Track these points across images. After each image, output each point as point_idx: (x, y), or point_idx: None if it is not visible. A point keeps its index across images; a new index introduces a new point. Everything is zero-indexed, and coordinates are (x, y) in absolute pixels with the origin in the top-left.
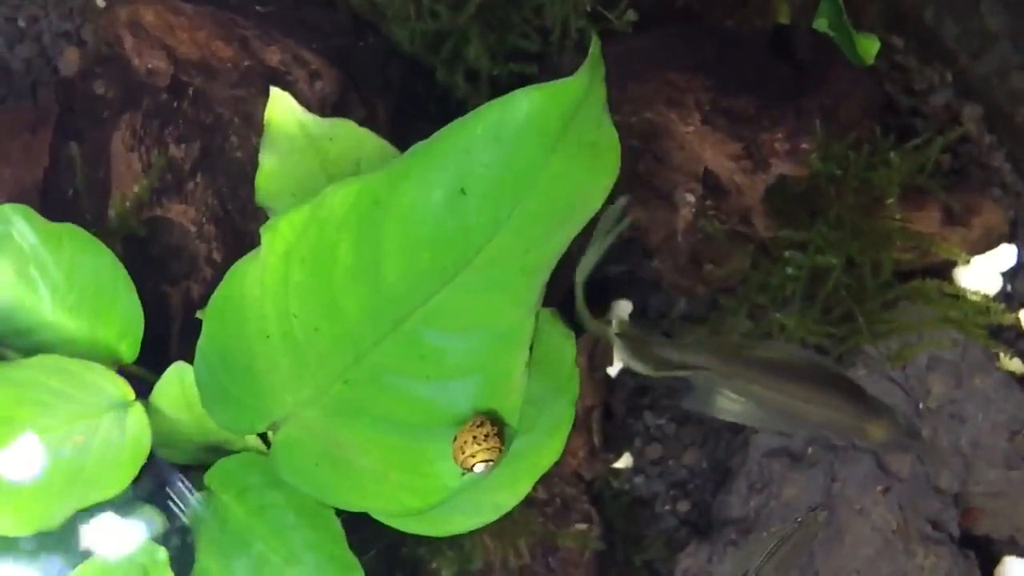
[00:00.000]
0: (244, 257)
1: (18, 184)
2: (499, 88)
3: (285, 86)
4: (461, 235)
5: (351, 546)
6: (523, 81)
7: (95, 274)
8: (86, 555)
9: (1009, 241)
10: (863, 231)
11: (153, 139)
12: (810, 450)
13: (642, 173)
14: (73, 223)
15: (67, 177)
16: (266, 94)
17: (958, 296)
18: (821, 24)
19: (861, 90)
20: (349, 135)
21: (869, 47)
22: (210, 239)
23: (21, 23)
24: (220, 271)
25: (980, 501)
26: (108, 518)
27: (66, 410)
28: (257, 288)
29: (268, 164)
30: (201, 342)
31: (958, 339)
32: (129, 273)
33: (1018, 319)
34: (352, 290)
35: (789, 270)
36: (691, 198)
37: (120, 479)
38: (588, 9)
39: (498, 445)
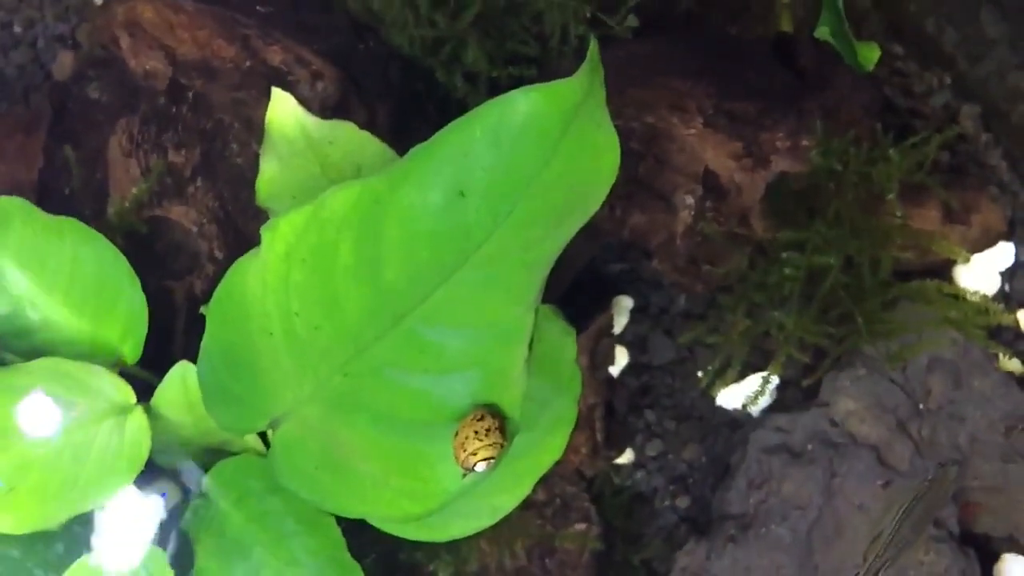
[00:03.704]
0: (245, 255)
1: (14, 181)
2: (498, 89)
3: (287, 87)
4: (460, 233)
5: (350, 550)
6: (522, 84)
7: (98, 268)
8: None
9: (1007, 239)
10: (862, 229)
11: (151, 144)
12: (809, 446)
13: (642, 176)
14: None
15: (63, 177)
16: (267, 97)
17: (957, 296)
18: (823, 32)
19: (861, 93)
20: (350, 139)
21: (869, 54)
22: (211, 238)
23: (17, 28)
24: (223, 268)
25: (978, 496)
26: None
27: (66, 417)
28: (259, 286)
29: (268, 168)
30: (205, 340)
31: (957, 339)
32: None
33: (1017, 320)
34: (352, 289)
35: (787, 270)
36: (690, 200)
37: (117, 484)
38: (588, 15)
39: (500, 441)
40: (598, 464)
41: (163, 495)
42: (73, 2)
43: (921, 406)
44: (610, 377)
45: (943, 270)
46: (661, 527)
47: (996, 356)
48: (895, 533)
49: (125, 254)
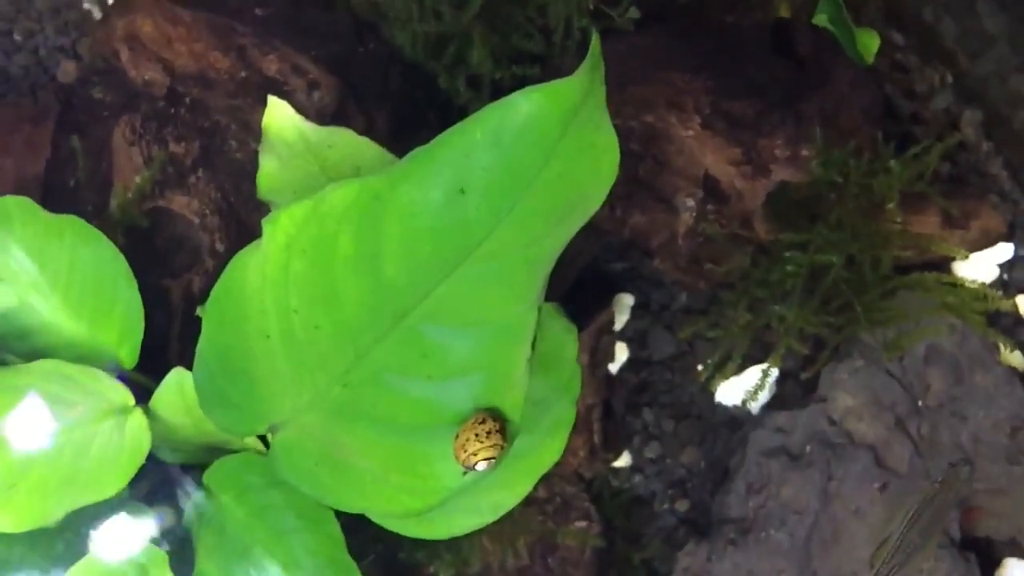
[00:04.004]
0: (246, 247)
1: (20, 174)
2: (502, 93)
3: (282, 96)
4: (461, 229)
5: (349, 549)
6: (526, 85)
7: (96, 269)
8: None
9: (1007, 241)
10: (863, 233)
11: (153, 136)
12: (808, 448)
13: (643, 177)
14: (75, 213)
15: (69, 168)
16: (263, 104)
17: (956, 284)
18: (821, 19)
19: (862, 93)
20: (348, 143)
21: (869, 43)
22: (213, 230)
23: (17, 37)
24: (223, 262)
25: (981, 499)
26: (111, 518)
27: (66, 416)
28: (258, 279)
29: (268, 165)
30: (201, 344)
31: (956, 325)
32: (131, 266)
33: (1015, 304)
34: (352, 282)
35: (789, 268)
36: (691, 203)
37: (117, 481)
38: (591, 7)
39: (500, 443)
40: (596, 467)
41: (159, 518)
42: (72, 16)
43: (920, 403)
44: (609, 374)
45: (942, 265)
46: (661, 528)
47: (996, 347)
48: (903, 538)
49: (125, 252)
